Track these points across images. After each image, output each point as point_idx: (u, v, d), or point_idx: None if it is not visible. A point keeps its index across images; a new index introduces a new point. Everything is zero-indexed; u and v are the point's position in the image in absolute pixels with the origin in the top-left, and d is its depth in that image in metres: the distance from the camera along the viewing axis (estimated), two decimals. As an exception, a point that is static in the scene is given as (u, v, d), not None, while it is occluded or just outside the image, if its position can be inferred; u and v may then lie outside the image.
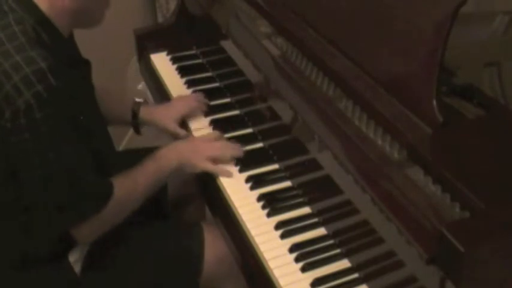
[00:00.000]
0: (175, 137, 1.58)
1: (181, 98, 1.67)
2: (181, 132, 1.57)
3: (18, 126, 1.13)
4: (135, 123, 1.62)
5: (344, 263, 1.19)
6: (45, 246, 1.31)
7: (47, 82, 1.12)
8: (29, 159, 1.17)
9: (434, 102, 1.05)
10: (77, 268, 1.34)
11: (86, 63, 1.47)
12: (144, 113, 1.61)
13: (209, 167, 1.41)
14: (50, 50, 1.17)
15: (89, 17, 1.31)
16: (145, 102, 1.64)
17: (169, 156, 1.41)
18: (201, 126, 1.59)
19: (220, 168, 1.41)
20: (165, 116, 1.59)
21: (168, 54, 1.89)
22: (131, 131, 2.50)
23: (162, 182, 1.42)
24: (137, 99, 1.62)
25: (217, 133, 1.52)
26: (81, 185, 1.22)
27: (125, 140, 2.53)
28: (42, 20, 1.21)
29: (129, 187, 1.33)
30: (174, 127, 1.57)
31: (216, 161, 1.42)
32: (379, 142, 1.10)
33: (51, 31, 1.22)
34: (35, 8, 1.20)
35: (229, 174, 1.40)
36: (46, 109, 1.13)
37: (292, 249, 1.22)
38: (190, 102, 1.62)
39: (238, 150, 1.45)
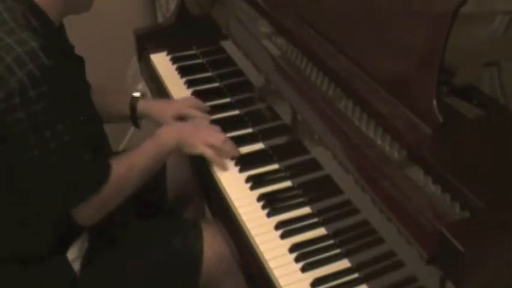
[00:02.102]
0: None
1: (183, 98, 1.67)
2: None
3: (13, 106, 1.13)
4: (134, 117, 1.63)
5: (344, 263, 1.19)
6: (44, 243, 1.31)
7: (39, 61, 1.13)
8: (25, 139, 1.17)
9: (434, 102, 1.05)
10: (76, 266, 1.34)
11: (80, 60, 1.48)
12: (142, 107, 1.61)
13: (207, 151, 1.41)
14: (41, 36, 1.18)
15: (79, 2, 1.32)
16: (143, 96, 1.64)
17: (169, 134, 1.42)
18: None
19: (218, 158, 1.41)
20: (162, 111, 1.59)
21: (168, 54, 1.89)
22: (131, 131, 2.51)
23: (162, 161, 1.43)
24: (135, 94, 1.63)
25: (219, 127, 1.51)
26: (78, 165, 1.23)
27: (125, 140, 2.53)
28: (32, 7, 1.22)
29: (128, 166, 1.33)
30: (172, 122, 1.56)
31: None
32: (379, 142, 1.10)
33: (41, 19, 1.23)
34: None
35: (224, 167, 1.41)
36: (39, 87, 1.14)
37: (292, 249, 1.22)
38: (191, 105, 1.61)
39: (236, 150, 1.45)
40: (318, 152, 1.25)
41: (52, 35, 1.25)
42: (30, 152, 1.18)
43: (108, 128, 1.53)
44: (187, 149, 1.43)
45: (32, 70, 1.12)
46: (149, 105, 1.62)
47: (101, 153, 1.31)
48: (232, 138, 1.50)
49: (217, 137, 1.44)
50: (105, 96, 1.58)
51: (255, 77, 1.51)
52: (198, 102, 1.63)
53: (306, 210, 1.31)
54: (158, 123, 1.60)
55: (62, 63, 1.20)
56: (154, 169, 1.39)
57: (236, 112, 1.63)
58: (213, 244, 1.38)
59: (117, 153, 1.54)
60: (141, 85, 2.22)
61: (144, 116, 1.62)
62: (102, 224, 1.35)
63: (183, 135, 1.43)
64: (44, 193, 1.24)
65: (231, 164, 1.44)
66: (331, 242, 1.23)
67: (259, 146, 1.50)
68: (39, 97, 1.14)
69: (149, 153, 1.37)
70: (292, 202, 1.33)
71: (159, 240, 1.41)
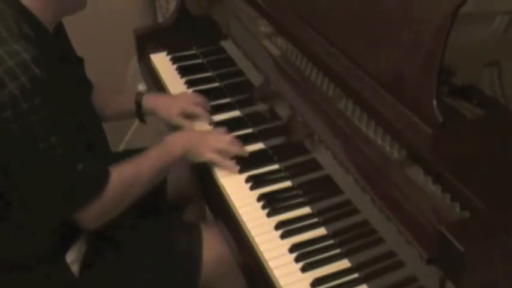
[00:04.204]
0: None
1: (186, 95, 1.67)
2: (187, 123, 1.57)
3: (6, 119, 1.13)
4: (140, 114, 1.63)
5: (344, 263, 1.19)
6: (42, 245, 1.31)
7: (31, 73, 1.12)
8: (20, 151, 1.17)
9: (434, 102, 1.05)
10: (75, 268, 1.34)
11: (80, 61, 1.46)
12: (147, 103, 1.61)
13: (215, 157, 1.41)
14: (34, 44, 1.17)
15: (70, 2, 1.31)
16: (148, 91, 1.64)
17: (176, 142, 1.42)
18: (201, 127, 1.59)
19: (225, 161, 1.41)
20: (168, 109, 1.59)
21: (168, 54, 1.89)
22: (131, 132, 2.51)
23: (168, 168, 1.42)
24: (139, 89, 1.63)
25: (224, 129, 1.52)
26: (71, 176, 1.22)
27: (125, 140, 2.53)
28: (22, 12, 1.21)
29: (133, 171, 1.33)
30: (179, 120, 1.57)
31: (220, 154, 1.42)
32: (379, 142, 1.10)
33: (33, 24, 1.22)
34: (14, 1, 1.21)
35: (233, 170, 1.41)
36: (31, 100, 1.13)
37: (292, 249, 1.22)
38: (194, 102, 1.61)
39: (243, 149, 1.45)
40: (318, 152, 1.25)
41: (46, 42, 1.24)
42: (25, 164, 1.18)
43: (108, 128, 1.53)
44: (194, 157, 1.43)
45: (23, 83, 1.11)
46: (155, 102, 1.62)
47: (99, 155, 1.31)
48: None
49: (223, 139, 1.45)
50: (109, 95, 1.59)
51: (255, 77, 1.51)
52: (200, 98, 1.63)
53: (306, 210, 1.31)
54: (164, 121, 1.61)
55: (57, 71, 1.19)
56: (159, 178, 1.39)
57: (236, 112, 1.63)
58: (213, 245, 1.38)
59: (118, 154, 1.54)
60: (141, 85, 2.23)
61: (149, 112, 1.62)
62: (102, 226, 1.35)
63: (189, 143, 1.43)
64: (41, 201, 1.24)
65: (231, 164, 1.44)
66: (331, 242, 1.23)
67: (259, 146, 1.50)
68: (31, 110, 1.13)
69: (155, 161, 1.37)
70: (292, 202, 1.33)
71: (159, 242, 1.41)
